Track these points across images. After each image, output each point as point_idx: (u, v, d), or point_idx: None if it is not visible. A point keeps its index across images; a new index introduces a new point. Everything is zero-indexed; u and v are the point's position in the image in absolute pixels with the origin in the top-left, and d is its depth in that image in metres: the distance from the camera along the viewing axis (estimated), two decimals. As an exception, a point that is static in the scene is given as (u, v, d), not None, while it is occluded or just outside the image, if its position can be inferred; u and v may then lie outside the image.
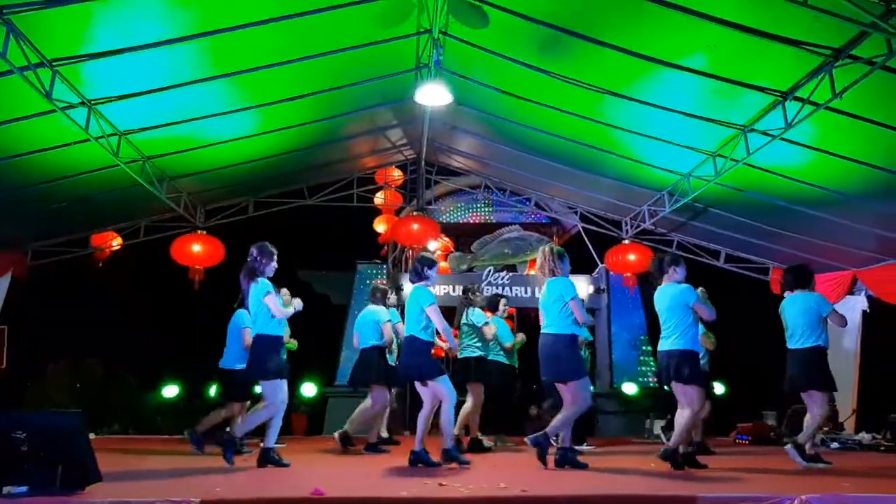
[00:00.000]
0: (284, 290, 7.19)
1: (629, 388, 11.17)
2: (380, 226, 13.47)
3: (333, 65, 7.72)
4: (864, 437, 8.84)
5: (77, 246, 11.10)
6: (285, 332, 7.22)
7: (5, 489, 3.65)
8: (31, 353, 11.11)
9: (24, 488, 3.67)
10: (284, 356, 5.95)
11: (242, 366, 7.00)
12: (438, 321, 5.86)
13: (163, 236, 11.24)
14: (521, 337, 8.22)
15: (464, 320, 7.68)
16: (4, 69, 5.93)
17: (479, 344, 7.61)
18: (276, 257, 5.88)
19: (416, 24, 7.54)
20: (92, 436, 7.12)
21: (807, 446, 6.06)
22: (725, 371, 9.64)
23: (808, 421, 6.20)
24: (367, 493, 4.07)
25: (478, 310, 7.72)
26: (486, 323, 7.58)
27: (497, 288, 12.00)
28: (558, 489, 4.36)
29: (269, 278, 5.86)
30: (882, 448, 8.30)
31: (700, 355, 5.81)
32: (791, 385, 6.28)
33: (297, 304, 6.12)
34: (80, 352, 11.83)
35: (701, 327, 7.37)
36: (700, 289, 6.52)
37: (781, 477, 5.22)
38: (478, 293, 7.92)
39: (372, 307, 7.55)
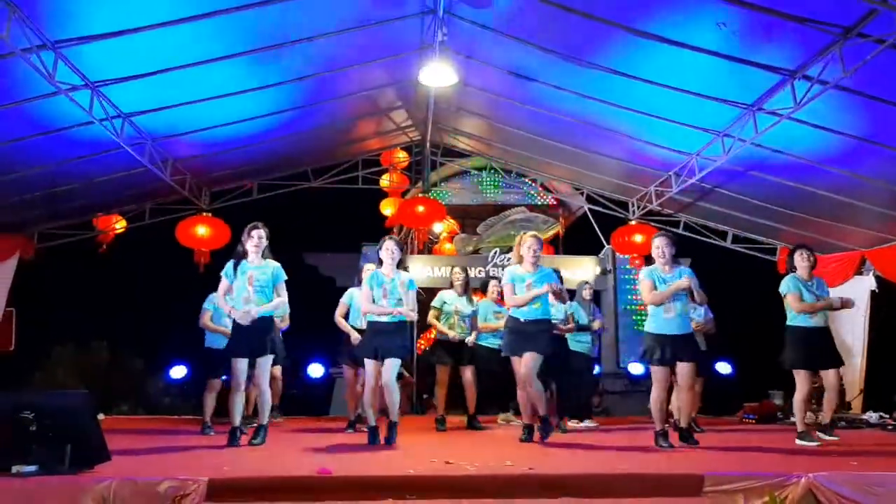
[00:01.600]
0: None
1: (635, 368, 11.18)
2: (386, 208, 13.43)
3: (338, 45, 7.67)
4: (872, 416, 8.83)
5: (83, 229, 11.11)
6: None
7: (14, 468, 3.68)
8: (38, 336, 11.16)
9: (33, 467, 3.70)
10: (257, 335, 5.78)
11: (214, 345, 7.17)
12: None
13: (168, 219, 11.24)
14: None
15: None
16: (6, 51, 5.91)
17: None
18: (251, 234, 5.71)
19: (421, 3, 7.48)
20: (101, 416, 7.17)
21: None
22: (732, 351, 9.64)
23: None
24: (374, 472, 4.09)
25: (444, 293, 7.76)
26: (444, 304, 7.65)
27: (502, 270, 11.98)
28: (565, 467, 4.37)
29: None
30: (889, 427, 8.29)
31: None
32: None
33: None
34: (86, 334, 11.88)
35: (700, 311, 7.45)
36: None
37: (789, 455, 5.23)
38: (456, 280, 7.78)
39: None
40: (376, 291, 5.87)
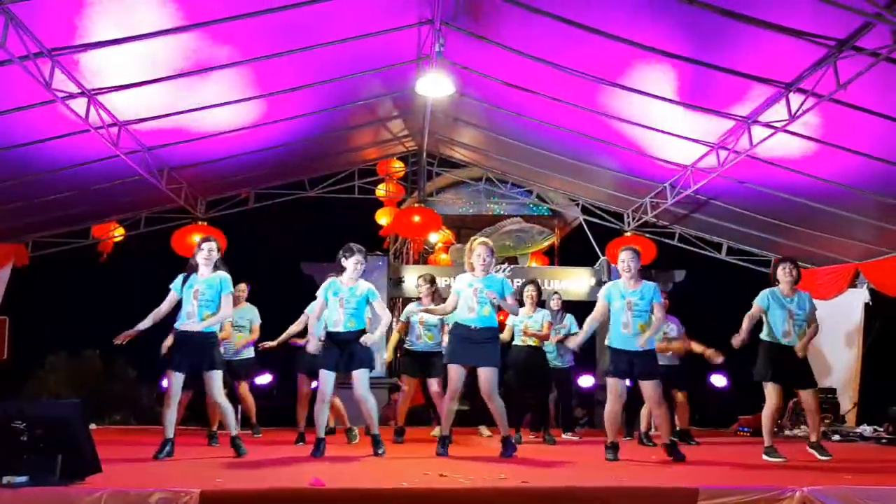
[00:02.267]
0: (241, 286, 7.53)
1: (629, 381, 11.16)
2: (382, 218, 13.43)
3: (335, 55, 7.68)
4: (866, 429, 8.83)
5: (78, 237, 11.09)
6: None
7: (5, 479, 3.63)
8: (31, 345, 11.12)
9: (23, 478, 3.65)
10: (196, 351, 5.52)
11: None
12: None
13: (163, 227, 11.22)
14: None
15: None
16: (4, 58, 5.91)
17: (410, 338, 7.49)
18: (202, 247, 5.63)
19: (419, 13, 7.51)
20: (92, 426, 7.12)
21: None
22: (727, 363, 9.63)
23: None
24: (367, 485, 4.06)
25: (410, 305, 7.61)
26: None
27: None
28: (559, 481, 4.35)
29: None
30: (883, 441, 8.28)
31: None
32: None
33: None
34: (79, 343, 11.83)
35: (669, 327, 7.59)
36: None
37: (783, 469, 5.21)
38: (420, 290, 7.51)
39: None
40: (332, 301, 5.67)
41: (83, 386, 10.96)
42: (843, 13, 5.42)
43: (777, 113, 7.22)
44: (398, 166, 13.11)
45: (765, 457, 5.76)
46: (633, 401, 7.32)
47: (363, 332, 5.67)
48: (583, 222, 12.88)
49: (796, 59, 6.44)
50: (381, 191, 13.04)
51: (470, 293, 5.72)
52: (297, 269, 12.15)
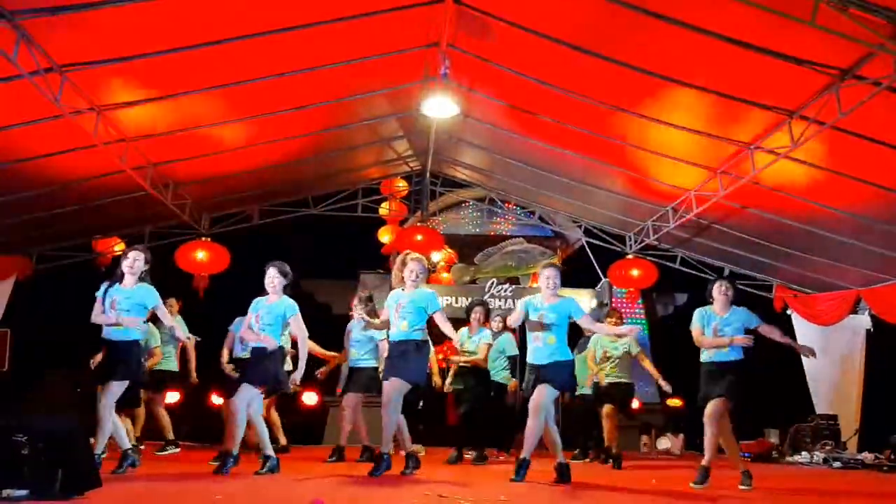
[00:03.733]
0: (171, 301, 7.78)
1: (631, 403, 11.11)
2: (384, 236, 13.46)
3: (342, 75, 7.75)
4: (867, 456, 8.79)
5: (81, 251, 11.11)
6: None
7: (5, 492, 3.63)
8: (32, 357, 11.08)
9: (23, 492, 3.65)
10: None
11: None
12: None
13: (168, 243, 11.24)
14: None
15: None
16: (14, 73, 5.97)
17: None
18: (127, 255, 5.60)
19: (425, 36, 7.58)
20: (92, 441, 7.09)
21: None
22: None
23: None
24: (367, 504, 4.06)
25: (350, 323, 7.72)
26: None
27: (500, 300, 12.00)
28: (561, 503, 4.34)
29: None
30: (885, 468, 8.25)
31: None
32: None
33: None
34: (81, 356, 11.78)
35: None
36: None
37: (785, 497, 5.19)
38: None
39: None
40: (252, 317, 5.71)
41: (84, 400, 10.91)
42: (846, 42, 5.48)
43: (780, 139, 7.27)
44: (402, 185, 13.16)
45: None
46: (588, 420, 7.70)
47: (264, 349, 5.62)
48: (585, 244, 12.89)
49: (799, 87, 6.49)
50: (384, 209, 13.08)
51: (394, 308, 5.73)
52: (297, 286, 12.16)
